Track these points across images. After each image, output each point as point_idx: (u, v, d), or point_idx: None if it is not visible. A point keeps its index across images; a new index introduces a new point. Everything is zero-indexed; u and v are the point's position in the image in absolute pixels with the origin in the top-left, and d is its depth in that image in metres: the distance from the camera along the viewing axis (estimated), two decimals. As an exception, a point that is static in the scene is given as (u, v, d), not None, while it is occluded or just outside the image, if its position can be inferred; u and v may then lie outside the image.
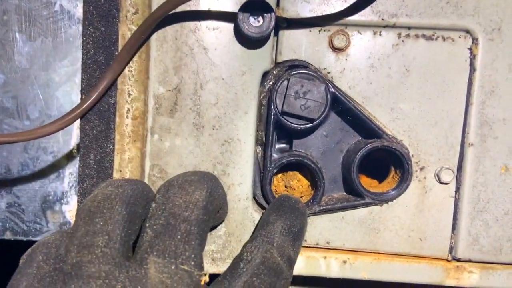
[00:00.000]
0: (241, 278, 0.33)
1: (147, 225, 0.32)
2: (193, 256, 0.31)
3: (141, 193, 0.34)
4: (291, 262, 0.37)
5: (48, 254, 0.30)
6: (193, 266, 0.31)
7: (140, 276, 0.29)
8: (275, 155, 0.46)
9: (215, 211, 0.36)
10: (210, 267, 0.44)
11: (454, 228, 0.45)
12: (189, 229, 0.31)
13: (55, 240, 0.32)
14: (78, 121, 0.42)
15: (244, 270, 0.34)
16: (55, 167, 0.52)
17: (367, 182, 0.52)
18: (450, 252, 0.45)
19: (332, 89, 0.43)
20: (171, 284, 0.29)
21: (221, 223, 0.44)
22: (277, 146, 0.49)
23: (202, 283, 0.31)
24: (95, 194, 0.33)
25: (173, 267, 0.30)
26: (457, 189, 0.44)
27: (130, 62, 0.42)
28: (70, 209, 0.51)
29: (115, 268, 0.29)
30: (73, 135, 0.48)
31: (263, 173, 0.45)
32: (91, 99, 0.41)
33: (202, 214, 0.33)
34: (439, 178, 0.44)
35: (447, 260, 0.45)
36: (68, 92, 0.53)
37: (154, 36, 0.42)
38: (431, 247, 0.45)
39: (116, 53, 0.42)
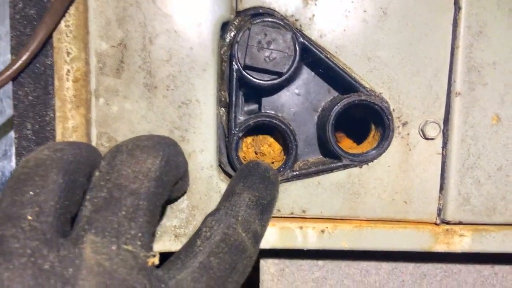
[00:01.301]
0: (197, 257, 0.28)
1: (87, 197, 0.28)
2: (140, 235, 0.26)
3: (86, 159, 0.29)
4: (257, 238, 0.33)
5: None
6: (140, 246, 0.26)
7: (73, 257, 0.24)
8: (241, 118, 0.41)
9: (171, 182, 0.31)
10: (173, 245, 0.39)
11: (442, 188, 0.40)
12: (136, 203, 0.27)
13: None
14: (10, 86, 0.37)
15: (201, 248, 0.29)
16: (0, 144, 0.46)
17: (348, 145, 0.47)
18: (439, 214, 0.41)
19: (301, 39, 0.38)
20: (110, 267, 0.24)
21: (182, 195, 0.39)
22: (246, 108, 0.44)
23: (150, 265, 0.26)
24: (27, 159, 0.28)
25: (114, 248, 0.25)
26: (444, 145, 0.40)
27: (66, 15, 0.37)
28: (19, 190, 0.46)
29: (44, 245, 0.24)
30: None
31: (228, 138, 0.40)
32: (23, 59, 0.35)
33: (154, 187, 0.28)
34: (423, 134, 0.39)
35: (436, 224, 0.41)
36: (1, 55, 0.47)
37: (91, -17, 0.36)
38: (418, 210, 0.40)
39: (49, 5, 0.36)
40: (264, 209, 0.34)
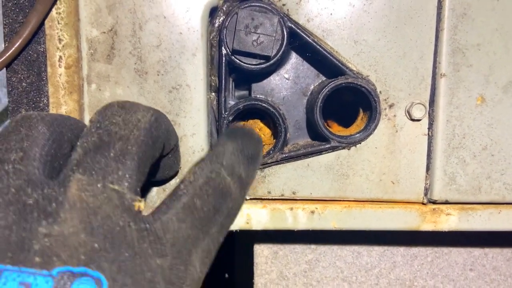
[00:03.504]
0: (181, 199, 0.28)
1: (77, 144, 0.28)
2: (127, 176, 0.26)
3: (72, 121, 0.30)
4: (243, 184, 0.32)
5: None
6: (126, 187, 0.26)
7: (57, 194, 0.24)
8: (231, 102, 0.42)
9: (160, 140, 0.31)
10: (166, 227, 0.40)
11: (428, 168, 0.41)
12: (125, 147, 0.27)
13: None
14: (4, 72, 0.38)
15: (185, 191, 0.29)
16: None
17: (338, 130, 0.48)
18: (426, 194, 0.41)
19: (288, 23, 0.39)
20: (94, 203, 0.24)
21: (174, 176, 0.40)
22: (236, 93, 0.45)
23: (136, 209, 0.26)
24: (14, 117, 0.29)
25: (99, 185, 0.25)
26: (430, 126, 0.40)
27: (57, 2, 0.37)
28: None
29: (27, 184, 0.24)
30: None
31: (218, 121, 0.41)
32: (15, 46, 0.36)
33: (143, 136, 0.28)
34: (410, 115, 0.40)
35: (423, 203, 0.42)
36: (1, 48, 0.48)
37: (81, -29, 0.37)
38: (405, 190, 0.41)
39: (40, -7, 0.37)
40: (249, 160, 0.33)
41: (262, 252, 0.52)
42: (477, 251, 0.54)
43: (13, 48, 0.36)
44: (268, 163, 0.41)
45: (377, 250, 0.53)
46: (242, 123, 0.44)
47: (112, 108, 0.29)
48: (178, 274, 0.25)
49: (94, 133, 0.27)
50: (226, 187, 0.30)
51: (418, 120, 0.40)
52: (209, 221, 0.28)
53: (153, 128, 0.29)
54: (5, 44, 0.38)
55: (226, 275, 0.81)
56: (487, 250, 0.54)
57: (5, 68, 0.37)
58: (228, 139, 0.33)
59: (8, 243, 0.22)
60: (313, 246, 0.52)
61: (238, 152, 0.32)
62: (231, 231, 0.41)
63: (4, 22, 0.37)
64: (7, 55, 0.36)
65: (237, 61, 0.39)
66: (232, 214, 0.30)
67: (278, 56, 0.39)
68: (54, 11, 0.38)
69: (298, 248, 0.52)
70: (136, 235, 0.25)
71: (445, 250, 0.53)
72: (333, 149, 0.41)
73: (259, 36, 0.38)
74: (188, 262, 0.26)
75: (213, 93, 0.42)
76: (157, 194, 0.41)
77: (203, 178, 0.30)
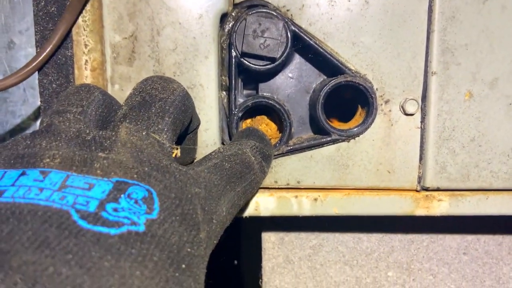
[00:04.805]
0: (212, 160, 0.33)
1: (123, 104, 0.33)
2: (165, 129, 0.31)
3: (116, 100, 0.35)
4: (262, 168, 0.37)
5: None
6: (165, 138, 0.31)
7: (110, 135, 0.29)
8: (240, 100, 0.45)
9: (189, 110, 0.35)
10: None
11: (421, 158, 0.45)
12: (164, 107, 0.32)
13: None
14: (36, 77, 0.42)
15: (215, 156, 0.34)
16: (25, 130, 0.51)
17: (338, 125, 0.52)
18: (419, 182, 0.45)
19: (292, 27, 0.43)
20: (140, 145, 0.28)
21: (191, 162, 0.44)
22: (245, 92, 0.49)
23: (174, 156, 0.31)
24: (75, 84, 0.34)
25: (144, 133, 0.30)
26: (422, 119, 0.44)
27: (84, 12, 0.41)
28: (43, 170, 0.51)
29: (86, 127, 0.29)
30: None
31: (229, 118, 0.45)
32: (47, 51, 0.40)
33: (178, 101, 0.33)
34: (404, 110, 0.44)
35: (416, 191, 0.46)
36: (31, 53, 0.52)
37: (104, -17, 0.41)
38: (400, 178, 0.45)
39: (68, 3, 0.41)
40: (265, 158, 0.38)
41: (269, 238, 0.56)
42: (470, 236, 0.58)
43: (44, 53, 0.40)
44: (275, 155, 0.45)
45: (376, 236, 0.57)
46: (250, 119, 0.48)
47: (152, 78, 0.34)
48: (210, 206, 0.29)
49: (138, 95, 0.32)
50: (250, 162, 0.35)
51: (412, 115, 0.44)
52: (235, 181, 0.33)
53: (185, 98, 0.34)
54: (36, 50, 0.42)
55: (236, 262, 0.86)
56: (479, 235, 0.58)
57: (37, 72, 0.41)
58: (248, 138, 0.38)
59: (72, 160, 0.26)
60: (316, 232, 0.56)
61: (257, 149, 0.38)
62: (240, 218, 0.45)
63: (36, 29, 0.41)
64: (39, 59, 0.40)
65: (246, 62, 0.43)
66: (254, 185, 0.35)
67: (283, 57, 0.43)
68: (80, 19, 0.42)
69: (303, 234, 0.56)
70: (178, 172, 0.29)
71: (440, 235, 0.57)
72: (334, 142, 0.45)
73: (265, 40, 0.42)
74: (218, 203, 0.30)
75: (224, 92, 0.46)
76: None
77: (231, 151, 0.35)
